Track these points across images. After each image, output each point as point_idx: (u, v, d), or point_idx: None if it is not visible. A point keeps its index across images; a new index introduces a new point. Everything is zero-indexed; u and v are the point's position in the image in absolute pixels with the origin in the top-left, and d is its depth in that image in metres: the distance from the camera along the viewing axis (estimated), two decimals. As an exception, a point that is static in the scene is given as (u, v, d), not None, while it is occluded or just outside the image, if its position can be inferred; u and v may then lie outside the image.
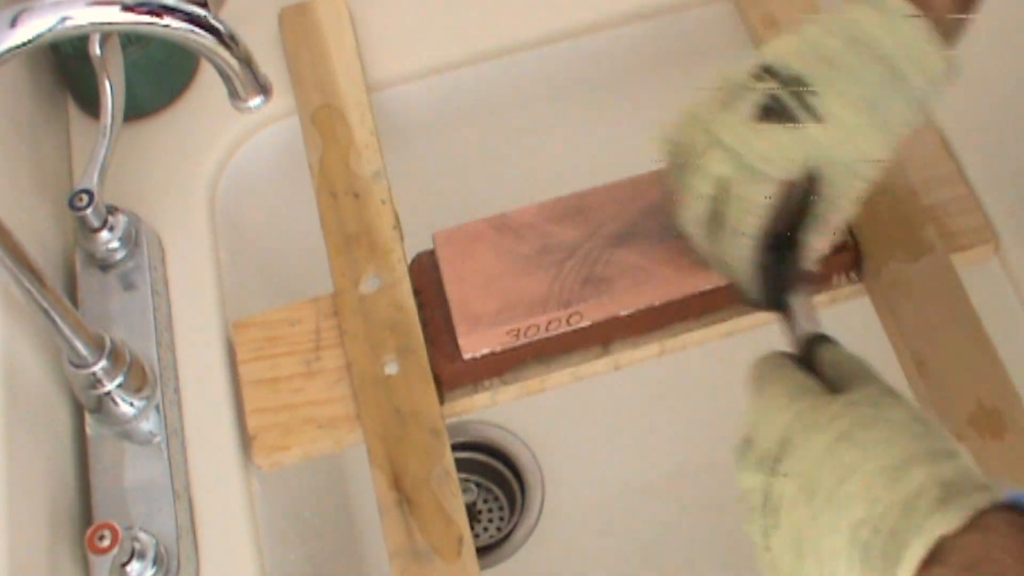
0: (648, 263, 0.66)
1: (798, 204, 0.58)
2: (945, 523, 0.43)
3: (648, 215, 0.68)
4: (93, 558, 0.58)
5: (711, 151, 0.56)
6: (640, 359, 0.70)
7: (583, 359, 0.69)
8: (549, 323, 0.66)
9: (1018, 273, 0.70)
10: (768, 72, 0.57)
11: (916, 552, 0.43)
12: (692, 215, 0.59)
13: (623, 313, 0.67)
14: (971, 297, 0.67)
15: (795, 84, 0.56)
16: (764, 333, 0.73)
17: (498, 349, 0.67)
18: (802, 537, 0.48)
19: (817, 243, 0.59)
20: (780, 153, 0.55)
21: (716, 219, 0.58)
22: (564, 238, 0.68)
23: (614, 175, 0.70)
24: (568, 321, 0.66)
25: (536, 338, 0.67)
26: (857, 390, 0.50)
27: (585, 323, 0.67)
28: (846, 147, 0.55)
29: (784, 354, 0.56)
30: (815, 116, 0.55)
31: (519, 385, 0.69)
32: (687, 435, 0.96)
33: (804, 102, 0.55)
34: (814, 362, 0.55)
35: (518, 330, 0.66)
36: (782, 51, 0.57)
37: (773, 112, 0.56)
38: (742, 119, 0.56)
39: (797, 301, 0.60)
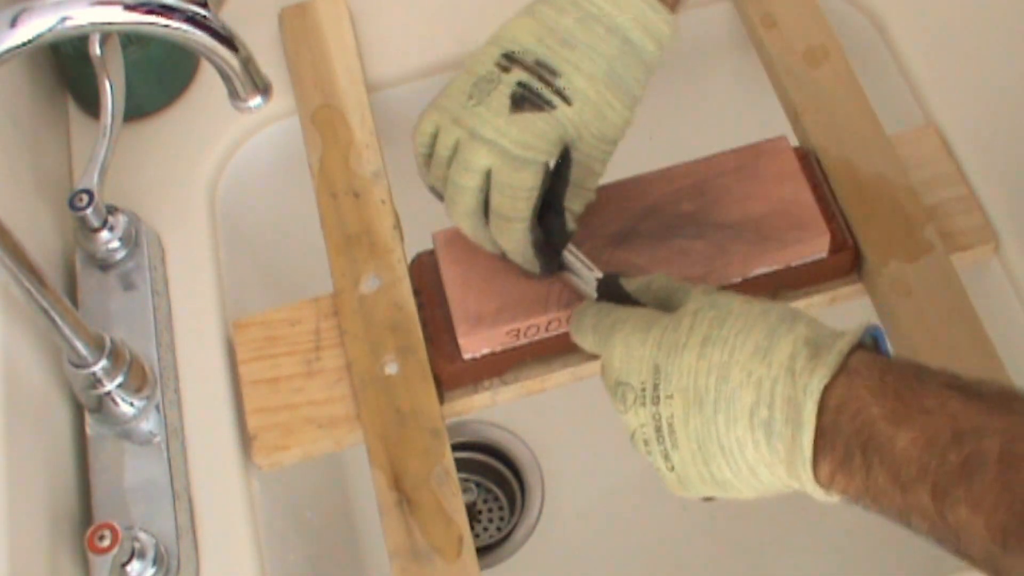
0: (648, 263, 0.66)
1: (555, 176, 0.60)
2: (825, 376, 0.48)
3: (648, 215, 0.68)
4: (93, 558, 0.58)
5: (471, 144, 0.59)
6: (640, 359, 0.70)
7: (583, 359, 0.69)
8: (549, 323, 0.66)
9: (1018, 273, 0.70)
10: (511, 60, 0.59)
11: (812, 409, 0.47)
12: (462, 209, 0.61)
13: (623, 313, 0.67)
14: (971, 297, 0.67)
15: (539, 69, 0.59)
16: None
17: (498, 349, 0.67)
18: (703, 442, 0.51)
19: (576, 207, 0.62)
20: (538, 139, 0.58)
21: (485, 208, 0.61)
22: (564, 238, 0.67)
23: (614, 175, 0.70)
24: (568, 321, 0.66)
25: (536, 338, 0.67)
26: (687, 301, 0.54)
27: (585, 323, 0.67)
28: (596, 120, 0.59)
29: (594, 303, 0.60)
30: (564, 98, 0.59)
31: (519, 385, 0.69)
32: (687, 435, 0.96)
33: (552, 86, 0.59)
34: (625, 297, 0.59)
35: (518, 330, 0.66)
36: (519, 36, 0.60)
37: (525, 100, 0.59)
38: (497, 111, 0.59)
39: (571, 258, 0.63)
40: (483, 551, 0.94)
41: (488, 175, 0.59)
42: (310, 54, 0.79)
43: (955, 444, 0.44)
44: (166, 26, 0.48)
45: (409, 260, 0.71)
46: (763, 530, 0.91)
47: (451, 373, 0.67)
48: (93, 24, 0.47)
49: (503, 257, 0.64)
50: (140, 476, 0.64)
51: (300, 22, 0.81)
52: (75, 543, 0.62)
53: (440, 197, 0.63)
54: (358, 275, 0.71)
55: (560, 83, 0.59)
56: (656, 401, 0.53)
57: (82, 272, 0.71)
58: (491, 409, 0.74)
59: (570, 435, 0.97)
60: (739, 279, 0.67)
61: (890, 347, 0.51)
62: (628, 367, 0.54)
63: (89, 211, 0.68)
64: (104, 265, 0.70)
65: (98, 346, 0.63)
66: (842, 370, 0.48)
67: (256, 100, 0.52)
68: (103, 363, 0.63)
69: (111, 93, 0.68)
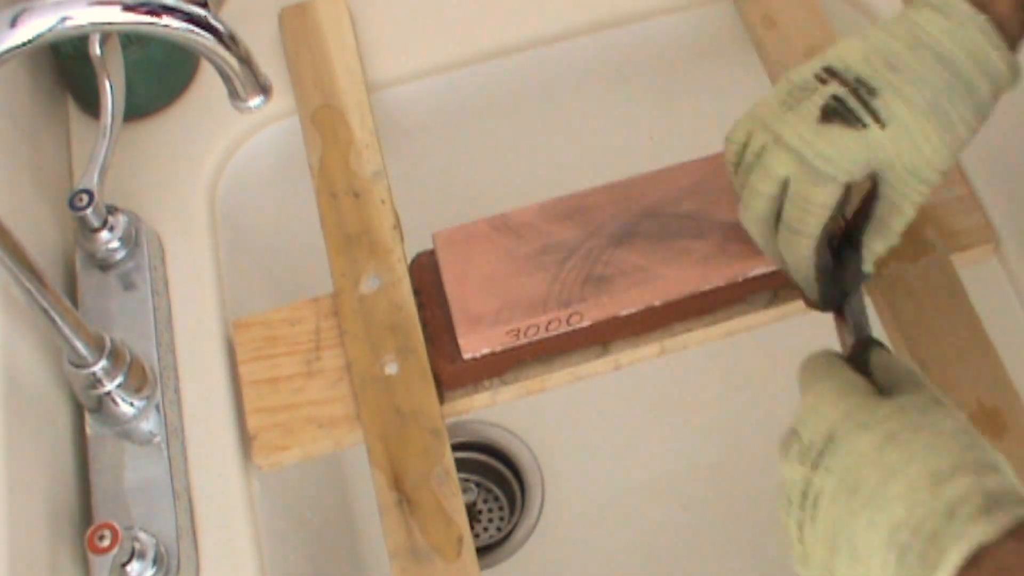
0: (648, 263, 0.66)
1: (860, 207, 0.58)
2: (985, 531, 0.43)
3: (648, 215, 0.68)
4: (93, 558, 0.58)
5: (774, 150, 0.57)
6: (640, 359, 0.70)
7: (583, 359, 0.69)
8: (549, 323, 0.66)
9: (1018, 273, 0.70)
10: (831, 74, 0.57)
11: (954, 558, 0.43)
12: (753, 214, 0.59)
13: (623, 313, 0.67)
14: (971, 297, 0.67)
15: (858, 86, 0.56)
16: (764, 333, 0.73)
17: (498, 349, 0.67)
18: (838, 532, 0.48)
19: (878, 247, 0.59)
20: (842, 155, 0.55)
21: (777, 218, 0.59)
22: (564, 238, 0.68)
23: (614, 175, 0.70)
24: (568, 321, 0.66)
25: (536, 338, 0.67)
26: (907, 395, 0.51)
27: (585, 323, 0.67)
28: (909, 151, 0.55)
29: (835, 353, 0.56)
30: (878, 119, 0.55)
31: (519, 385, 0.69)
32: (687, 435, 0.96)
33: (867, 104, 0.56)
34: (865, 365, 0.55)
35: (518, 330, 0.66)
36: (845, 54, 0.57)
37: (837, 114, 0.56)
38: (805, 119, 0.56)
39: (852, 303, 0.61)
40: (483, 551, 0.94)
41: (785, 185, 0.57)
42: (310, 54, 0.79)
43: None
44: (166, 26, 0.48)
45: (409, 260, 0.71)
46: (763, 530, 0.91)
47: (451, 373, 0.67)
48: (93, 24, 0.47)
49: (787, 271, 0.61)
50: (140, 476, 0.64)
51: (300, 22, 0.81)
52: (75, 543, 0.62)
53: None
54: (358, 275, 0.71)
55: (876, 104, 0.55)
56: (815, 467, 0.49)
57: (82, 272, 0.71)
58: (491, 409, 0.74)
59: (570, 435, 0.97)
60: (739, 279, 0.67)
61: None
62: (807, 419, 0.51)
63: (89, 211, 0.68)
64: (104, 265, 0.70)
65: (98, 346, 0.63)
66: (1012, 536, 0.43)
67: (256, 100, 0.52)
68: (103, 363, 0.63)
69: (111, 93, 0.68)
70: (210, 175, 0.77)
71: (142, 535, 0.61)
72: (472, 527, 0.75)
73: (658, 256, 0.67)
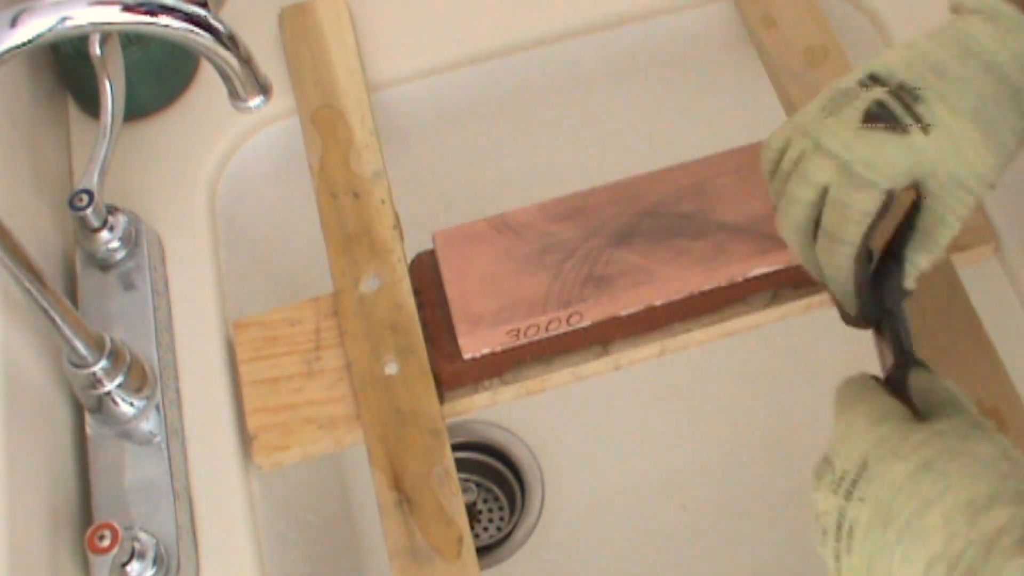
0: (648, 263, 0.66)
1: (903, 218, 0.57)
2: (1021, 567, 0.42)
3: (648, 215, 0.68)
4: (93, 558, 0.58)
5: (814, 156, 0.55)
6: (640, 359, 0.70)
7: (583, 359, 0.69)
8: (549, 323, 0.66)
9: (1018, 273, 0.70)
10: (875, 80, 0.56)
11: None
12: (792, 222, 0.57)
13: (623, 313, 0.67)
14: (971, 297, 0.67)
15: (901, 92, 0.55)
16: (764, 333, 0.73)
17: (498, 349, 0.67)
18: (873, 565, 0.47)
19: (921, 261, 0.57)
20: (885, 160, 0.54)
21: (817, 228, 0.57)
22: (564, 238, 0.68)
23: (614, 175, 0.70)
24: (568, 321, 0.66)
25: (536, 338, 0.67)
26: (945, 420, 0.49)
27: (585, 323, 0.67)
28: (954, 158, 0.54)
29: (872, 377, 0.55)
30: (922, 125, 0.54)
31: (519, 385, 0.69)
32: (687, 435, 0.96)
33: (911, 110, 0.54)
34: (904, 387, 0.54)
35: (518, 330, 0.66)
36: (890, 61, 0.56)
37: (879, 118, 0.54)
38: (847, 124, 0.55)
39: (893, 321, 0.58)
40: (483, 551, 0.94)
41: (825, 192, 0.55)
42: (310, 54, 0.79)
43: None
44: (166, 26, 0.48)
45: (409, 260, 0.71)
46: (764, 530, 0.91)
47: (451, 373, 0.67)
48: (93, 24, 0.47)
49: (826, 283, 0.59)
50: (140, 476, 0.64)
51: (300, 22, 0.81)
52: (75, 543, 0.62)
53: None
54: (358, 275, 0.71)
55: (920, 109, 0.54)
56: (848, 496, 0.48)
57: (82, 272, 0.71)
58: (491, 409, 0.74)
59: (570, 435, 0.97)
60: (739, 279, 0.67)
61: None
62: (839, 447, 0.50)
63: (89, 211, 0.68)
64: (104, 265, 0.70)
65: (98, 346, 0.63)
66: None
67: (256, 100, 0.52)
68: (103, 363, 0.63)
69: (111, 93, 0.68)
70: (210, 175, 0.77)
71: (142, 535, 0.61)
72: (472, 527, 0.75)
73: (658, 256, 0.67)
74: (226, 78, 0.51)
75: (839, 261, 0.56)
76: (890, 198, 0.54)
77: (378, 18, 0.82)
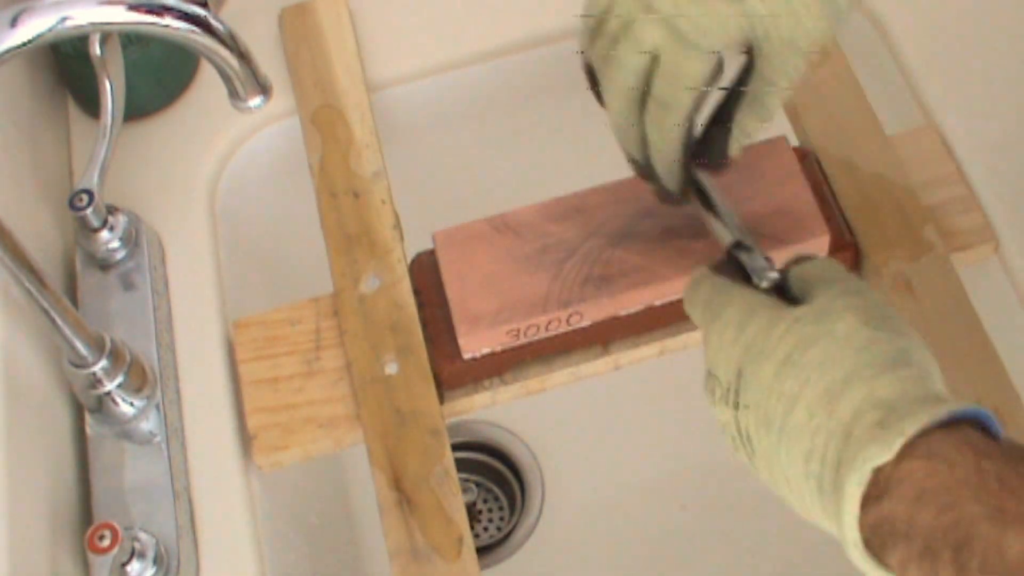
0: (648, 263, 0.66)
1: (733, 82, 0.54)
2: (880, 453, 0.41)
3: (648, 215, 0.68)
4: (93, 558, 0.58)
5: (644, 21, 0.52)
6: (640, 359, 0.70)
7: (583, 359, 0.69)
8: (549, 323, 0.66)
9: (1018, 273, 0.70)
10: None
11: (854, 487, 0.41)
12: (618, 88, 0.54)
13: (623, 313, 0.67)
14: (971, 297, 0.67)
15: None
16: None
17: (498, 349, 0.67)
18: (771, 465, 0.47)
19: (750, 125, 0.56)
20: (718, 24, 0.52)
21: (643, 97, 0.55)
22: (564, 238, 0.68)
23: (614, 175, 0.70)
24: (568, 321, 0.66)
25: (536, 338, 0.67)
26: (811, 302, 0.48)
27: (585, 323, 0.67)
28: (788, 22, 0.52)
29: (714, 268, 0.54)
30: None
31: (519, 385, 0.69)
32: (687, 435, 0.96)
33: None
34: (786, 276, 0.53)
35: (518, 330, 0.66)
36: None
37: None
38: None
39: (717, 196, 0.57)
40: (483, 551, 0.94)
41: (655, 61, 0.53)
42: (310, 54, 0.79)
43: None
44: (166, 26, 0.48)
45: (409, 260, 0.71)
46: (764, 529, 0.91)
47: (451, 373, 0.67)
48: (93, 24, 0.47)
49: (640, 169, 0.58)
50: (140, 476, 0.64)
51: (300, 22, 0.81)
52: (75, 543, 0.62)
53: (593, 81, 0.57)
54: (358, 275, 0.71)
55: None
56: (736, 406, 0.48)
57: (82, 272, 0.71)
58: (491, 409, 0.74)
59: (570, 435, 0.97)
60: (739, 279, 0.67)
61: (1000, 430, 0.42)
62: (717, 360, 0.50)
63: (89, 211, 0.68)
64: (104, 265, 0.70)
65: (98, 346, 0.63)
66: (919, 451, 0.40)
67: (256, 100, 0.52)
68: (103, 363, 0.63)
69: (111, 93, 0.68)
70: (210, 175, 0.77)
71: (142, 535, 0.61)
72: (472, 527, 0.75)
73: (658, 256, 0.66)
74: (226, 78, 0.51)
75: (668, 130, 0.54)
76: (721, 63, 0.53)
77: (378, 18, 0.82)
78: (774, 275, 0.53)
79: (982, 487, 0.39)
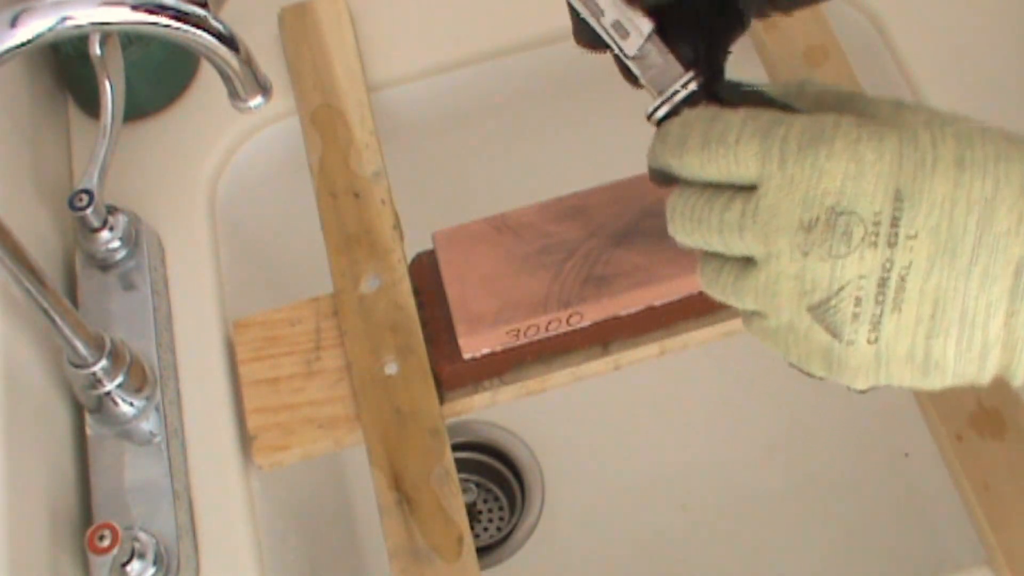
0: (648, 263, 0.66)
1: None
2: None
3: (648, 215, 0.68)
4: (93, 558, 0.58)
5: None
6: (640, 359, 0.70)
7: (583, 359, 0.69)
8: (549, 323, 0.66)
9: (1018, 273, 0.70)
10: None
11: None
12: None
13: (623, 313, 0.67)
14: (971, 297, 0.67)
15: None
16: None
17: (498, 349, 0.67)
18: (943, 304, 0.40)
19: None
20: None
21: None
22: (564, 238, 0.68)
23: (614, 175, 0.70)
24: (568, 321, 0.66)
25: (536, 338, 0.67)
26: (898, 111, 0.42)
27: (585, 323, 0.67)
28: None
29: (689, 103, 0.44)
30: None
31: (519, 385, 0.69)
32: (687, 435, 0.96)
33: None
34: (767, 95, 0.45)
35: (518, 330, 0.66)
36: None
37: None
38: None
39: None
40: (483, 551, 0.94)
41: None
42: (310, 54, 0.79)
43: None
44: (166, 26, 0.48)
45: (409, 260, 0.71)
46: (764, 530, 0.91)
47: (451, 373, 0.67)
48: (93, 24, 0.47)
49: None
50: (140, 476, 0.64)
51: (300, 22, 0.81)
52: (75, 543, 0.62)
53: None
54: (358, 275, 0.71)
55: None
56: (893, 242, 0.39)
57: (82, 272, 0.71)
58: (491, 409, 0.74)
59: (570, 435, 0.97)
60: (739, 279, 0.67)
61: None
62: (858, 188, 0.40)
63: (89, 211, 0.68)
64: (104, 265, 0.71)
65: (98, 346, 0.63)
66: None
67: (256, 100, 0.52)
68: (103, 363, 0.63)
69: (111, 93, 0.68)
70: (210, 175, 0.77)
71: (142, 535, 0.61)
72: (472, 527, 0.75)
73: (658, 256, 0.67)
74: (226, 78, 0.51)
75: None
76: None
77: (378, 18, 0.82)
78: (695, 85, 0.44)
79: None
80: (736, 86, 0.44)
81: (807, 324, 0.41)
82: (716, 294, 0.45)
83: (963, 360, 0.40)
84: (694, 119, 0.43)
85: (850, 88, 0.44)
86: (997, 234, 0.39)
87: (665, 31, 0.47)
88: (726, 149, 0.42)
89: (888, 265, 0.40)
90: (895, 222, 0.39)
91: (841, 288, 0.40)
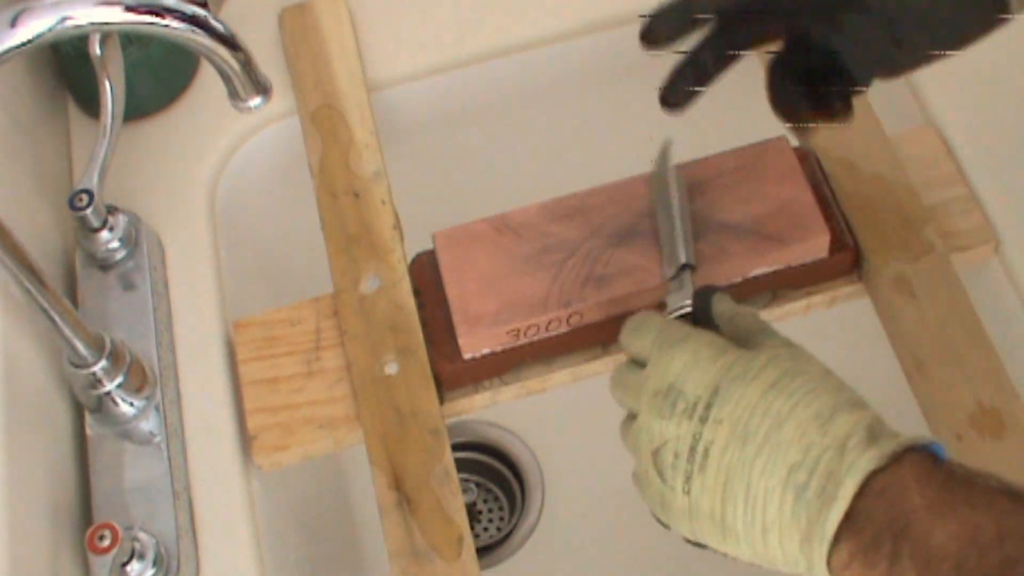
0: (648, 263, 0.66)
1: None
2: (874, 460, 0.47)
3: (648, 215, 0.68)
4: (93, 558, 0.58)
5: None
6: (640, 359, 0.70)
7: (583, 359, 0.69)
8: (549, 323, 0.66)
9: (1018, 273, 0.70)
10: None
11: (850, 488, 0.47)
12: None
13: (623, 313, 0.67)
14: (971, 297, 0.67)
15: None
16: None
17: (498, 349, 0.67)
18: (732, 480, 0.51)
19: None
20: None
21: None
22: (564, 238, 0.68)
23: (614, 175, 0.70)
24: (568, 321, 0.66)
25: (536, 338, 0.67)
26: (771, 346, 0.54)
27: (585, 323, 0.67)
28: None
29: (679, 316, 0.60)
30: None
31: (519, 385, 0.69)
32: (687, 435, 0.96)
33: None
34: (709, 317, 0.58)
35: (518, 330, 0.66)
36: None
37: None
38: None
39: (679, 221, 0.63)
40: (483, 551, 0.94)
41: None
42: (310, 54, 0.79)
43: (998, 544, 0.43)
44: (166, 26, 0.48)
45: (409, 260, 0.71)
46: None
47: (451, 373, 0.67)
48: (93, 24, 0.47)
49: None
50: (140, 476, 0.64)
51: (300, 22, 0.81)
52: (75, 543, 0.62)
53: None
54: (358, 275, 0.71)
55: None
56: (704, 420, 0.52)
57: (82, 272, 0.71)
58: (491, 409, 0.74)
59: (570, 435, 0.97)
60: (739, 279, 0.67)
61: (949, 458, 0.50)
62: (688, 376, 0.53)
63: (89, 211, 0.68)
64: (104, 265, 0.71)
65: (98, 346, 0.63)
66: (893, 461, 0.47)
67: (256, 100, 0.52)
68: (103, 363, 0.63)
69: (111, 93, 0.68)
70: (210, 175, 0.77)
71: (142, 535, 0.61)
72: (472, 527, 0.75)
73: (658, 256, 0.67)
74: (226, 78, 0.51)
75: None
76: None
77: (378, 18, 0.82)
78: (687, 307, 0.60)
79: (928, 484, 0.46)
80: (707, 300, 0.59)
81: (649, 467, 0.54)
82: (626, 447, 0.58)
83: (750, 533, 0.51)
84: (642, 319, 0.59)
85: (763, 323, 0.57)
86: (780, 441, 0.50)
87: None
88: (640, 336, 0.57)
89: (698, 435, 0.52)
90: (708, 407, 0.52)
91: (666, 442, 0.53)
